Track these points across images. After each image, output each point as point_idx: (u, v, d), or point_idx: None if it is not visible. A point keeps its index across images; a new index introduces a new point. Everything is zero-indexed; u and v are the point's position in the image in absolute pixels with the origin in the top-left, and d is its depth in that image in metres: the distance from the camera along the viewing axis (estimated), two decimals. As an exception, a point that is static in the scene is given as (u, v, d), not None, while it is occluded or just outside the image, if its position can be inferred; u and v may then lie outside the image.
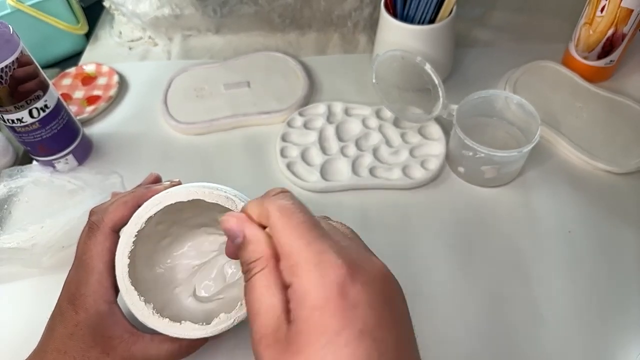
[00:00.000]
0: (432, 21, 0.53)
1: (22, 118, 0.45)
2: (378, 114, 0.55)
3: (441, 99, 0.49)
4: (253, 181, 0.51)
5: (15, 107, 0.44)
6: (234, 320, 0.32)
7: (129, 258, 0.32)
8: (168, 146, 0.55)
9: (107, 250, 0.33)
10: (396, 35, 0.54)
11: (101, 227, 0.33)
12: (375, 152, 0.51)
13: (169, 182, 0.36)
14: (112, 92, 0.60)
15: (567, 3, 0.64)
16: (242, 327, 0.31)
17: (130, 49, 0.68)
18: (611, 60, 0.55)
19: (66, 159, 0.51)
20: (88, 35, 0.69)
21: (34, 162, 0.52)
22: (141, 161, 0.54)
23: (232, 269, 0.38)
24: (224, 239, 0.32)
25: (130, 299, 0.32)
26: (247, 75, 0.60)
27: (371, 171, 0.50)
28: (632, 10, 0.50)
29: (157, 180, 0.39)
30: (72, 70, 0.63)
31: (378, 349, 0.21)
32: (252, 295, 0.24)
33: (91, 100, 0.59)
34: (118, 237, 0.33)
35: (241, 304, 0.32)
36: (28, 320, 0.41)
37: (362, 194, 0.49)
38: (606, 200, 0.48)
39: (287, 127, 0.54)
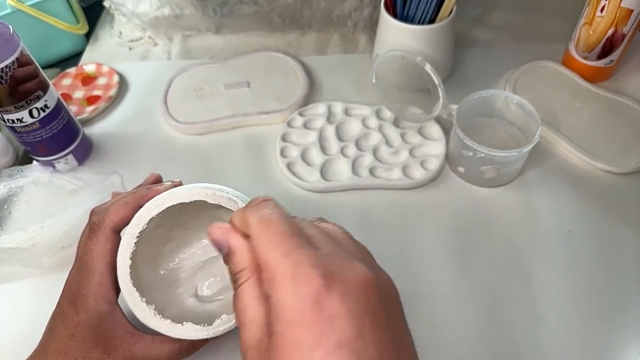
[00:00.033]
0: (432, 21, 0.53)
1: (22, 118, 0.45)
2: (378, 114, 0.55)
3: (441, 99, 0.49)
4: (253, 181, 0.51)
5: (15, 107, 0.44)
6: (235, 321, 0.32)
7: (130, 259, 0.32)
8: (168, 146, 0.55)
9: (108, 251, 0.33)
10: (396, 35, 0.54)
11: (102, 228, 0.33)
12: (375, 152, 0.51)
13: (170, 183, 0.36)
14: (112, 92, 0.60)
15: (567, 3, 0.64)
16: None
17: (130, 49, 0.68)
18: (611, 61, 0.55)
19: (66, 159, 0.51)
20: (88, 35, 0.69)
21: (34, 162, 0.52)
22: (141, 161, 0.54)
23: None
24: None
25: (132, 300, 0.32)
26: (247, 75, 0.60)
27: (371, 171, 0.50)
28: (632, 11, 0.50)
29: (158, 180, 0.39)
30: (72, 70, 0.63)
31: None
32: (238, 305, 0.24)
33: (91, 100, 0.59)
34: (119, 237, 0.33)
35: None
36: (28, 320, 0.41)
37: (362, 194, 0.49)
38: (606, 200, 0.48)
39: (287, 127, 0.54)
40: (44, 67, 0.47)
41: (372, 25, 0.64)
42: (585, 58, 0.56)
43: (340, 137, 0.53)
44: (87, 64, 0.63)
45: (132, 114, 0.59)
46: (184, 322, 0.32)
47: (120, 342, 0.32)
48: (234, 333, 0.33)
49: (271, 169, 0.52)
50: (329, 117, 0.55)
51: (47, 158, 0.50)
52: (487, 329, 0.40)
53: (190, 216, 0.37)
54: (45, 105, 0.46)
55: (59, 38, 0.65)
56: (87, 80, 0.62)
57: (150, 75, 0.63)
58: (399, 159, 0.51)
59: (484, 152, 0.45)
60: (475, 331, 0.40)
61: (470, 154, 0.46)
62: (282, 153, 0.52)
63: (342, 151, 0.52)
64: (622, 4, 0.50)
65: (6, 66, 0.42)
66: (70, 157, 0.51)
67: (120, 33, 0.69)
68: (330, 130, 0.54)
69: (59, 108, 0.48)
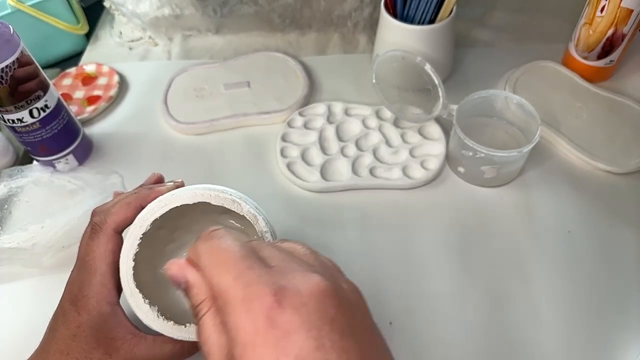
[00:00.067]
0: (432, 21, 0.53)
1: (23, 118, 0.45)
2: (378, 114, 0.55)
3: (441, 99, 0.49)
4: (253, 181, 0.51)
5: (15, 107, 0.44)
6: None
7: (133, 261, 0.32)
8: (168, 146, 0.55)
9: (109, 251, 0.33)
10: (396, 36, 0.54)
11: (104, 229, 0.33)
12: (375, 152, 0.51)
13: (172, 183, 0.36)
14: (113, 92, 0.60)
15: (567, 3, 0.64)
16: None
17: (130, 49, 0.68)
18: (611, 61, 0.55)
19: (66, 159, 0.51)
20: (88, 35, 0.69)
21: (34, 162, 0.52)
22: (141, 161, 0.54)
23: None
24: None
25: (135, 301, 0.32)
26: (247, 75, 0.60)
27: (371, 171, 0.50)
28: (632, 11, 0.50)
29: (160, 180, 0.39)
30: (72, 70, 0.63)
31: None
32: (202, 337, 0.24)
33: (91, 100, 0.59)
34: (121, 238, 0.33)
35: None
36: (28, 320, 0.41)
37: (362, 194, 0.49)
38: (606, 200, 0.48)
39: (287, 127, 0.54)
40: (44, 67, 0.47)
41: (372, 25, 0.64)
42: (585, 58, 0.56)
43: (340, 137, 0.53)
44: (88, 64, 0.63)
45: (132, 114, 0.59)
46: (187, 324, 0.32)
47: (122, 343, 0.32)
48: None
49: (271, 169, 0.52)
50: (329, 117, 0.55)
51: (47, 158, 0.50)
52: (487, 328, 0.40)
53: (192, 217, 0.37)
54: (46, 105, 0.46)
55: (59, 38, 0.65)
56: (88, 80, 0.62)
57: (151, 75, 0.63)
58: (399, 159, 0.51)
59: (484, 152, 0.45)
60: (475, 331, 0.40)
61: (470, 154, 0.46)
62: (282, 153, 0.52)
63: (342, 151, 0.52)
64: (622, 4, 0.50)
65: (6, 66, 0.42)
66: (71, 157, 0.51)
67: (121, 33, 0.69)
68: (330, 130, 0.54)
69: (59, 108, 0.48)
